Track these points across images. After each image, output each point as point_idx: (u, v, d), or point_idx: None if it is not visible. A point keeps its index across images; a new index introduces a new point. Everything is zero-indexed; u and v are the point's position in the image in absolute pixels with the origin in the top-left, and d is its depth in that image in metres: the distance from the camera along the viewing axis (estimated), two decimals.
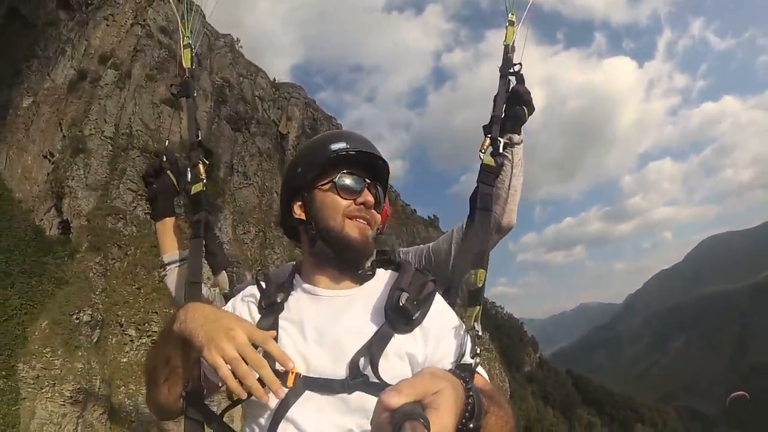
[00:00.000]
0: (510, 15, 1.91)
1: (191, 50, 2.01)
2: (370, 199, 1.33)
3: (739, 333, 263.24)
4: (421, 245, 2.03)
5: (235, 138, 33.87)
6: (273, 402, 1.12)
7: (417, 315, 1.20)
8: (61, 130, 24.80)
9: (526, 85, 1.81)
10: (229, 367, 1.02)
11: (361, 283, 1.35)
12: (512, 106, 1.77)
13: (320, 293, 1.32)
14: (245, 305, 1.34)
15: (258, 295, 1.33)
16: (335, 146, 1.34)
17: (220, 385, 1.25)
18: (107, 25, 29.60)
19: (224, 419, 1.28)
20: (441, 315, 1.26)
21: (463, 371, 1.10)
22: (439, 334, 1.21)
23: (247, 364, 1.02)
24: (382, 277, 1.36)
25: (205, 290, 1.73)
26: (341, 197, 1.32)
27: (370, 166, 1.37)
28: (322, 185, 1.33)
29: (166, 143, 2.09)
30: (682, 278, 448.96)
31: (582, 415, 50.02)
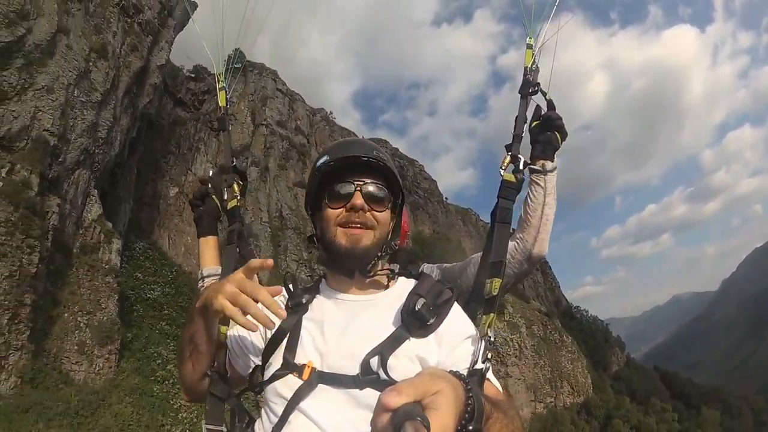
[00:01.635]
0: (528, 39, 1.89)
1: (225, 92, 2.18)
2: (358, 201, 1.31)
3: None
4: (443, 264, 2.04)
5: None
6: (288, 392, 1.20)
7: (432, 320, 1.22)
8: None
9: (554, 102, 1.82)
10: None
11: (382, 290, 1.40)
12: (544, 131, 1.79)
13: (342, 297, 1.37)
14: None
15: (286, 296, 1.38)
16: (318, 163, 1.39)
17: (243, 373, 1.41)
18: (232, 125, 38.08)
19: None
20: (457, 322, 1.29)
21: (472, 376, 1.19)
22: (453, 341, 1.24)
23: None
24: (405, 285, 1.38)
25: None
26: (332, 208, 1.35)
27: (366, 168, 1.35)
28: (324, 202, 1.37)
29: (211, 173, 2.19)
30: None
31: (656, 403, 53.67)
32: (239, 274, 1.14)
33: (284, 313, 1.12)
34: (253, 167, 35.65)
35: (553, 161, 1.80)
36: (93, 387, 14.29)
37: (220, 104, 2.18)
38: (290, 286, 1.39)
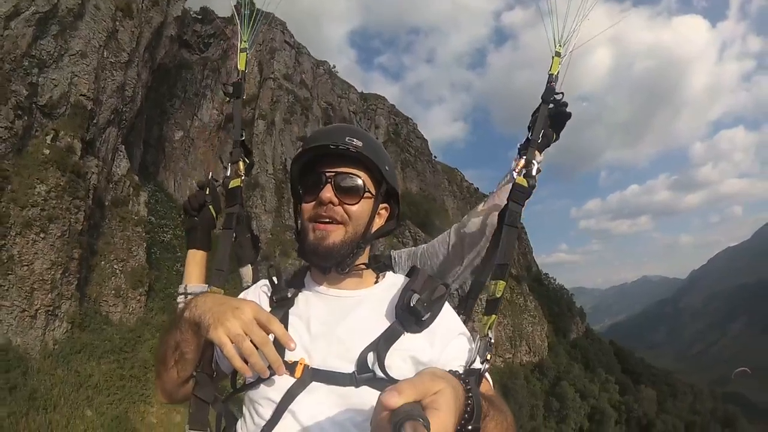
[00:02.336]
0: (557, 47, 1.88)
1: (246, 54, 2.06)
2: (325, 195, 1.25)
3: None
4: (414, 248, 1.99)
5: None
6: (279, 391, 1.15)
7: (427, 316, 1.20)
8: (221, 162, 35.34)
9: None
10: (235, 346, 1.02)
11: (370, 286, 1.35)
12: (551, 127, 1.83)
13: (327, 293, 1.32)
14: (257, 297, 1.35)
15: (270, 288, 1.34)
16: (293, 158, 1.36)
17: (227, 372, 1.31)
18: (237, 75, 39.48)
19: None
20: (448, 319, 1.27)
21: (470, 375, 1.16)
22: (446, 338, 1.22)
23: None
24: (395, 281, 1.36)
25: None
26: (306, 202, 1.31)
27: (340, 158, 1.28)
28: (302, 196, 1.34)
29: (210, 176, 2.02)
30: (749, 257, 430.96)
31: (601, 373, 58.45)
32: (248, 314, 1.04)
33: (284, 372, 1.07)
34: (260, 120, 37.04)
35: (541, 157, 1.79)
36: (128, 326, 16.29)
37: (239, 68, 2.04)
38: (275, 279, 1.34)
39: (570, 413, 45.88)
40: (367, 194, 1.31)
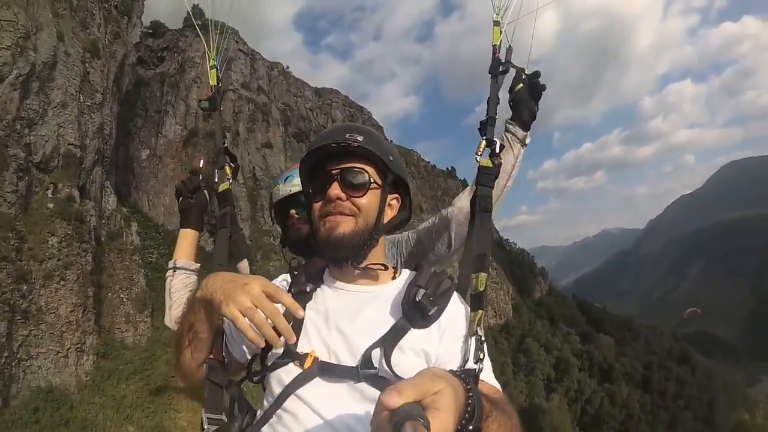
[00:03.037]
0: (495, 15, 1.83)
1: (216, 70, 2.16)
2: (332, 192, 1.30)
3: (759, 259, 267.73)
4: (399, 234, 2.00)
5: (301, 149, 44.16)
6: (288, 380, 1.20)
7: (433, 311, 1.22)
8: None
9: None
10: (247, 320, 1.07)
11: (387, 281, 1.39)
12: (531, 99, 1.84)
13: (344, 288, 1.37)
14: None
15: (289, 281, 1.42)
16: (300, 161, 1.44)
17: (239, 358, 1.40)
18: (198, 87, 41.11)
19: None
20: (458, 316, 1.29)
21: (466, 375, 1.10)
22: (454, 336, 1.24)
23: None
24: (406, 276, 1.39)
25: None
26: (316, 202, 1.37)
27: (343, 155, 1.34)
28: (312, 197, 1.39)
29: (201, 163, 2.18)
30: (703, 204, 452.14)
31: (562, 327, 63.58)
32: (256, 288, 1.09)
33: (294, 339, 1.11)
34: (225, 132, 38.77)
35: (528, 131, 1.83)
36: (142, 346, 18.08)
37: (211, 83, 2.14)
38: (295, 272, 1.41)
39: (537, 366, 50.70)
40: (373, 186, 1.34)
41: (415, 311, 1.23)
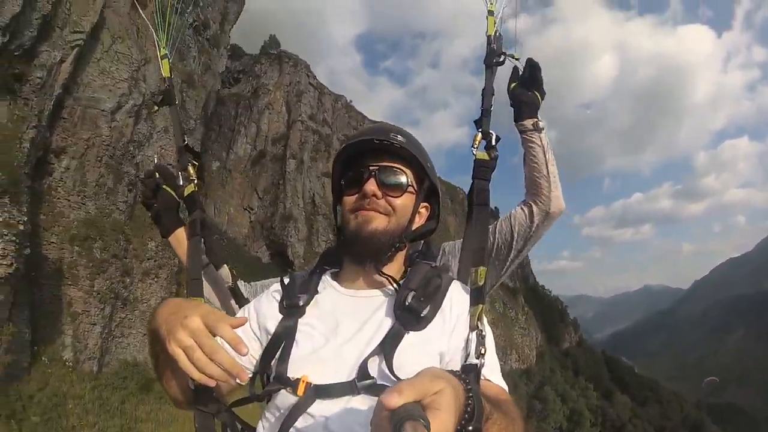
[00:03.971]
0: (489, 4, 1.80)
1: (168, 60, 2.02)
2: (369, 187, 1.28)
3: None
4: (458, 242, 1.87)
5: None
6: (284, 407, 1.15)
7: (426, 311, 1.19)
8: (257, 193, 41.05)
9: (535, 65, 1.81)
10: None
11: (392, 283, 1.30)
12: (526, 91, 1.78)
13: (352, 294, 1.32)
14: (271, 303, 1.35)
15: (280, 293, 1.35)
16: (336, 154, 1.41)
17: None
18: (269, 113, 45.53)
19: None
20: (465, 311, 1.25)
21: (467, 372, 1.13)
22: (463, 330, 1.22)
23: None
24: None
25: (241, 286, 1.81)
26: (348, 195, 1.34)
27: (384, 153, 1.32)
28: (344, 190, 1.37)
29: (155, 159, 2.11)
30: (750, 269, 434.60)
31: (581, 380, 64.45)
32: (195, 322, 0.97)
33: (246, 377, 1.01)
34: (291, 159, 43.04)
35: (539, 119, 1.78)
36: None
37: (163, 75, 2.01)
38: (286, 282, 1.35)
39: (551, 414, 52.08)
40: (410, 189, 1.33)
41: (408, 314, 1.19)
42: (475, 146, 1.59)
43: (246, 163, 43.09)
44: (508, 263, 1.88)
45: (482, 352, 1.18)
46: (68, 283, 17.11)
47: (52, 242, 15.23)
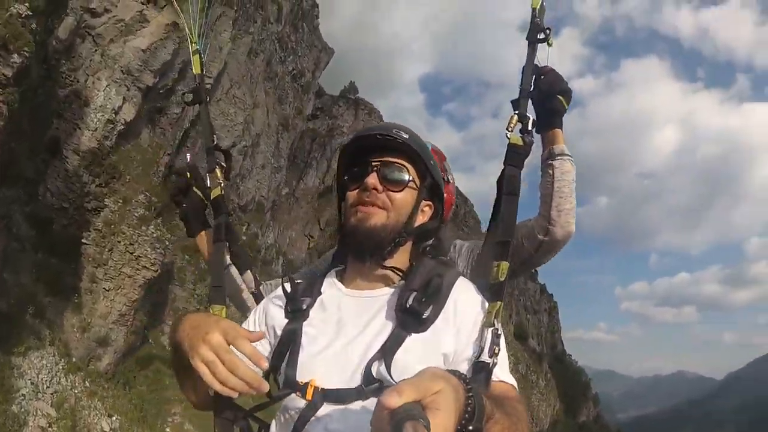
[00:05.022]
0: None
1: (200, 55, 1.95)
2: (369, 180, 1.26)
3: None
4: (473, 242, 1.86)
5: None
6: (294, 411, 1.16)
7: (427, 313, 1.17)
8: (319, 224, 45.50)
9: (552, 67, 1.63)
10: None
11: (397, 283, 1.30)
12: (546, 97, 1.59)
13: (356, 295, 1.31)
14: (275, 309, 1.35)
15: (284, 299, 1.32)
16: (340, 151, 1.39)
17: None
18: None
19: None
20: (474, 307, 1.24)
21: (479, 370, 1.12)
22: (471, 330, 1.20)
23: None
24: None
25: (244, 293, 1.77)
26: (350, 191, 1.32)
27: (386, 149, 1.30)
28: (347, 185, 1.34)
29: (188, 158, 1.84)
30: None
31: None
32: (217, 338, 1.02)
33: (266, 387, 1.04)
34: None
35: (560, 127, 1.62)
36: None
37: (194, 71, 1.94)
38: (288, 288, 1.32)
39: None
40: (411, 184, 1.31)
41: (408, 317, 1.17)
42: (510, 129, 1.49)
43: (313, 194, 47.34)
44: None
45: (496, 351, 1.15)
46: (176, 283, 21.59)
47: (167, 248, 18.04)
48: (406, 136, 1.30)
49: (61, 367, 11.46)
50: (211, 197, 1.75)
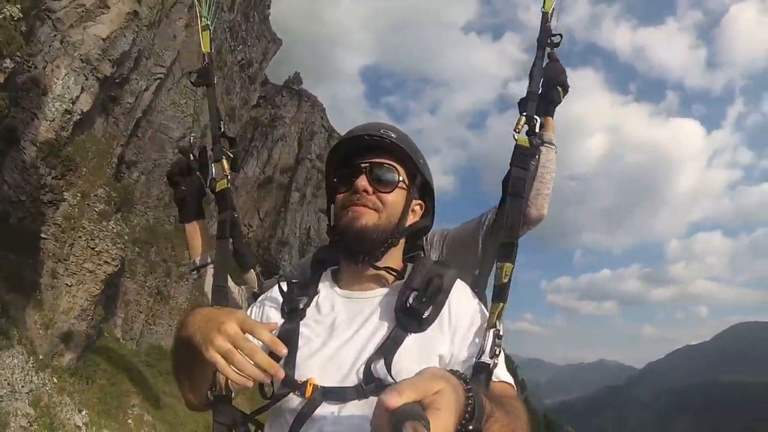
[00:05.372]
0: None
1: (209, 32, 1.84)
2: (360, 183, 1.25)
3: (743, 428, 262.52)
4: (448, 229, 1.83)
5: None
6: (292, 411, 1.14)
7: (428, 313, 1.16)
8: (258, 214, 45.24)
9: (561, 62, 1.68)
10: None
11: (390, 283, 1.30)
12: (546, 86, 1.64)
13: (350, 296, 1.30)
14: (271, 308, 1.34)
15: (281, 299, 1.31)
16: (329, 152, 1.38)
17: (249, 385, 1.17)
18: (282, 145, 49.64)
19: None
20: (469, 310, 1.23)
21: (479, 371, 1.12)
22: (466, 332, 1.19)
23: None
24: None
25: (236, 292, 1.69)
26: (340, 193, 1.31)
27: (375, 149, 1.30)
28: (336, 188, 1.33)
29: (192, 139, 2.07)
30: (705, 359, 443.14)
31: None
32: (233, 327, 1.00)
33: (282, 374, 1.04)
34: (295, 191, 47.19)
35: (552, 117, 1.68)
36: None
37: (203, 50, 1.83)
38: (284, 288, 1.32)
39: None
40: (401, 185, 1.30)
41: (409, 316, 1.16)
42: (518, 130, 1.50)
43: (253, 184, 46.98)
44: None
45: (497, 352, 1.15)
46: (127, 276, 21.30)
47: (126, 242, 17.94)
48: (395, 137, 1.30)
49: (30, 365, 11.30)
50: (217, 189, 1.65)
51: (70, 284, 14.17)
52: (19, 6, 9.80)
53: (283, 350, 1.01)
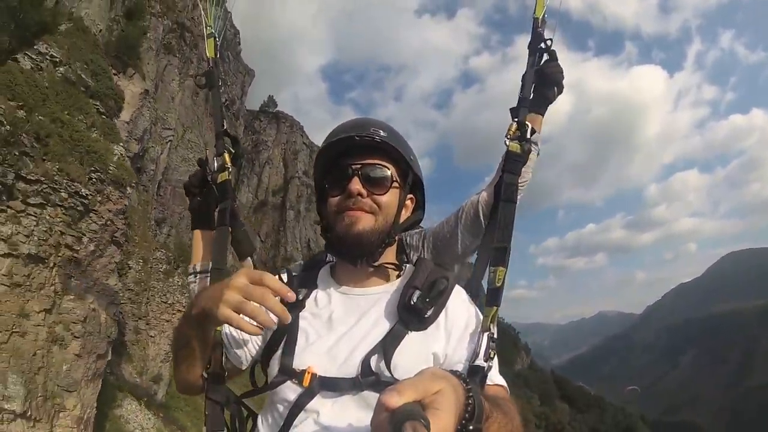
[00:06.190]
0: None
1: (214, 39, 1.93)
2: (353, 187, 1.24)
3: (745, 352, 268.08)
4: (427, 228, 1.86)
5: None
6: (289, 399, 1.15)
7: (430, 313, 1.17)
8: (259, 236, 48.02)
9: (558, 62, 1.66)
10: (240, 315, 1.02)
11: (388, 281, 1.32)
12: (542, 85, 1.64)
13: (349, 292, 1.30)
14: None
15: None
16: (317, 153, 1.36)
17: (237, 364, 1.31)
18: (269, 168, 52.53)
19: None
20: (465, 314, 1.24)
21: (474, 374, 1.12)
22: (461, 335, 1.19)
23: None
24: (409, 274, 1.29)
25: None
26: (332, 196, 1.29)
27: (365, 149, 1.28)
28: (328, 190, 1.32)
29: (208, 154, 1.72)
30: (700, 293, 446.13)
31: (525, 392, 73.54)
32: (242, 279, 1.03)
33: (289, 318, 1.03)
34: (290, 210, 50.54)
35: (543, 116, 1.66)
36: None
37: (208, 55, 1.91)
38: (284, 277, 1.34)
39: None
40: (395, 184, 1.29)
41: (411, 314, 1.17)
42: (509, 136, 1.51)
43: (248, 210, 49.83)
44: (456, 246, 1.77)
45: (491, 355, 1.16)
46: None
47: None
48: (385, 134, 1.27)
49: (143, 411, 14.47)
50: (218, 181, 1.67)
51: (153, 335, 17.34)
52: None
53: (293, 297, 1.03)
